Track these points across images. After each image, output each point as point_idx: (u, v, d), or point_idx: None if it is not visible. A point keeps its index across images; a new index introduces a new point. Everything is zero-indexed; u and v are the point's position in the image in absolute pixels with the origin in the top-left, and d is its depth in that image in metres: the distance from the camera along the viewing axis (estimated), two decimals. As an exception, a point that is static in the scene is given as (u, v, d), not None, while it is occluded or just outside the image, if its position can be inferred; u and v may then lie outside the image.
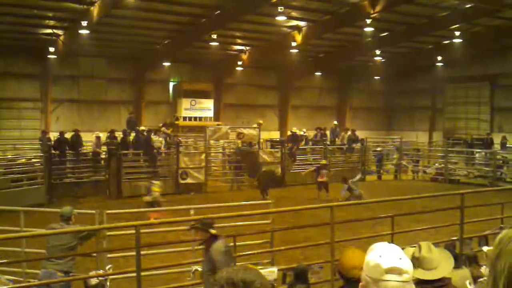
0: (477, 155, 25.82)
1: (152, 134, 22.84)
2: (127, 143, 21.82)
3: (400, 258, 2.03)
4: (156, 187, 16.28)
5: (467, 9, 23.65)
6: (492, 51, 32.08)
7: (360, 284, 2.08)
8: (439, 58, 34.37)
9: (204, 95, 33.23)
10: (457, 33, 27.57)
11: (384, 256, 2.04)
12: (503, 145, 27.90)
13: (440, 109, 37.78)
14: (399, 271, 1.99)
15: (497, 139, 29.03)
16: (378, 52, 32.79)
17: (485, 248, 4.93)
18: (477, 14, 24.46)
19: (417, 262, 3.30)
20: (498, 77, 33.56)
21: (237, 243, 7.63)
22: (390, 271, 1.99)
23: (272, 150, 25.27)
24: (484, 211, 11.17)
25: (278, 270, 7.00)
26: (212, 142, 24.42)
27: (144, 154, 21.24)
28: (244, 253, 7.55)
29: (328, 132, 28.79)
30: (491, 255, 1.78)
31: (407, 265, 2.03)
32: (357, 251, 3.79)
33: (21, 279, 7.70)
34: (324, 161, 21.53)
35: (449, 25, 26.40)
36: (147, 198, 16.00)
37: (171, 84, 33.76)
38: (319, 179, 20.10)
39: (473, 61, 32.78)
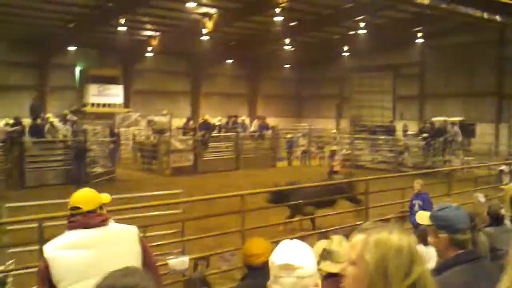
0: (381, 141, 27.00)
1: (59, 120, 21.95)
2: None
3: (295, 254, 2.07)
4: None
5: (371, 1, 24.56)
6: (394, 42, 33.72)
7: (267, 283, 2.12)
8: (346, 48, 35.56)
9: (112, 80, 32.27)
10: (362, 25, 28.64)
11: (279, 253, 2.10)
12: (404, 132, 29.39)
13: (347, 98, 39.21)
14: (291, 268, 2.03)
15: (399, 126, 30.57)
16: (288, 41, 33.37)
17: None
18: (380, 7, 25.47)
19: (327, 255, 3.44)
20: (399, 67, 35.33)
21: (148, 234, 7.54)
22: (283, 267, 2.04)
23: (184, 137, 25.04)
24: (387, 195, 11.68)
25: (190, 259, 7.00)
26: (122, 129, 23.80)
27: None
28: (155, 243, 7.47)
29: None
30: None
31: (302, 261, 2.05)
32: (257, 240, 3.91)
33: None
34: None
35: (354, 16, 27.36)
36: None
37: (77, 70, 32.49)
38: None
39: (377, 52, 34.24)
